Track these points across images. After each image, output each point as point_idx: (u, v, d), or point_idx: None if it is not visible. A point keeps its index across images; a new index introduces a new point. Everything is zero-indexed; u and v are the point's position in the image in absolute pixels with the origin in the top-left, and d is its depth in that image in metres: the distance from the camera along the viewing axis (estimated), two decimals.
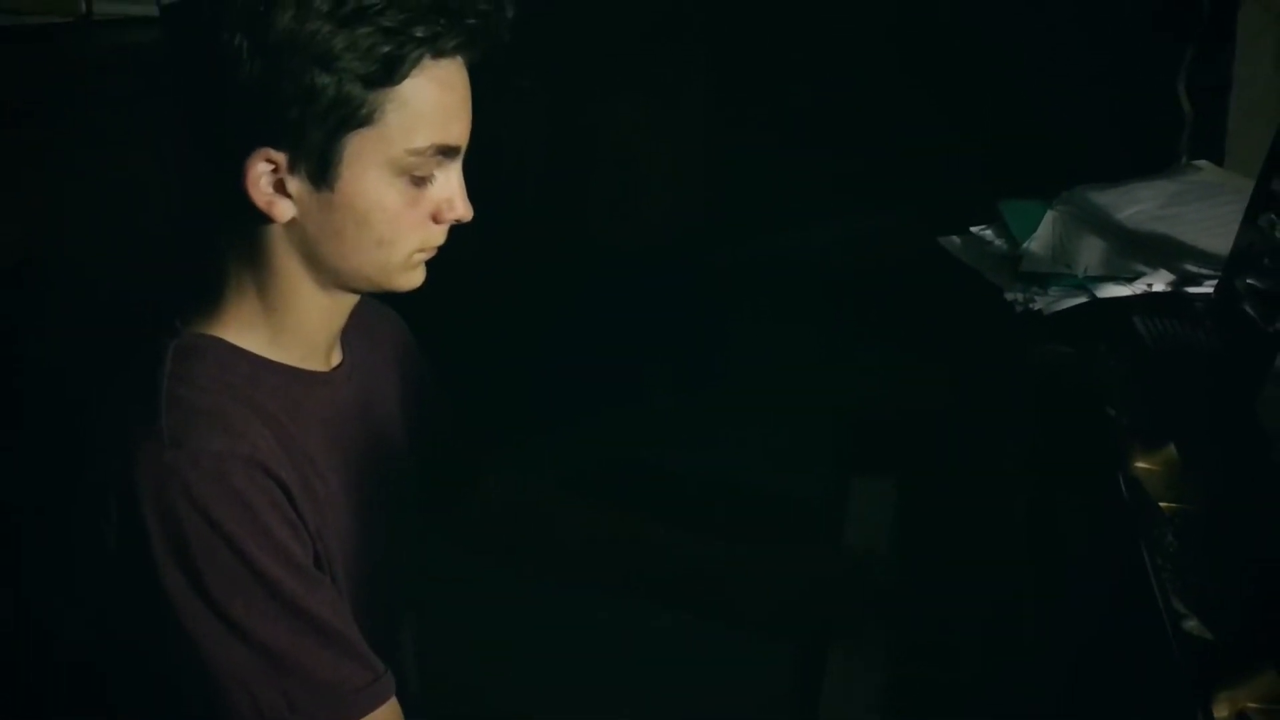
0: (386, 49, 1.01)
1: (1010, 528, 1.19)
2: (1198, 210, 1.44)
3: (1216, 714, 0.81)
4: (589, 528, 1.41)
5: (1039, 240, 1.45)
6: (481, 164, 1.13)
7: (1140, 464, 1.08)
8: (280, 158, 1.03)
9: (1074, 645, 1.01)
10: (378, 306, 1.28)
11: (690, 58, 2.73)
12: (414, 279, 1.12)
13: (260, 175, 1.03)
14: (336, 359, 1.19)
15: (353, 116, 1.02)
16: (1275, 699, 0.82)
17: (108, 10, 2.27)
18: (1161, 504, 1.02)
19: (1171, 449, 1.09)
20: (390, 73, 1.01)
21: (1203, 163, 1.65)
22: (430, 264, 1.14)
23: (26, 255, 1.96)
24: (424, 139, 1.05)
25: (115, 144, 1.94)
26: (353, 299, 1.15)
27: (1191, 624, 0.89)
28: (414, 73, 1.03)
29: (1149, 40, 2.26)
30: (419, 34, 1.01)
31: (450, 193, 1.09)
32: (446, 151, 1.07)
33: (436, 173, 1.08)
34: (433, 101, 1.05)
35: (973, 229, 1.53)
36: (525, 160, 2.43)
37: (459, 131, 1.08)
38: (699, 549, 1.38)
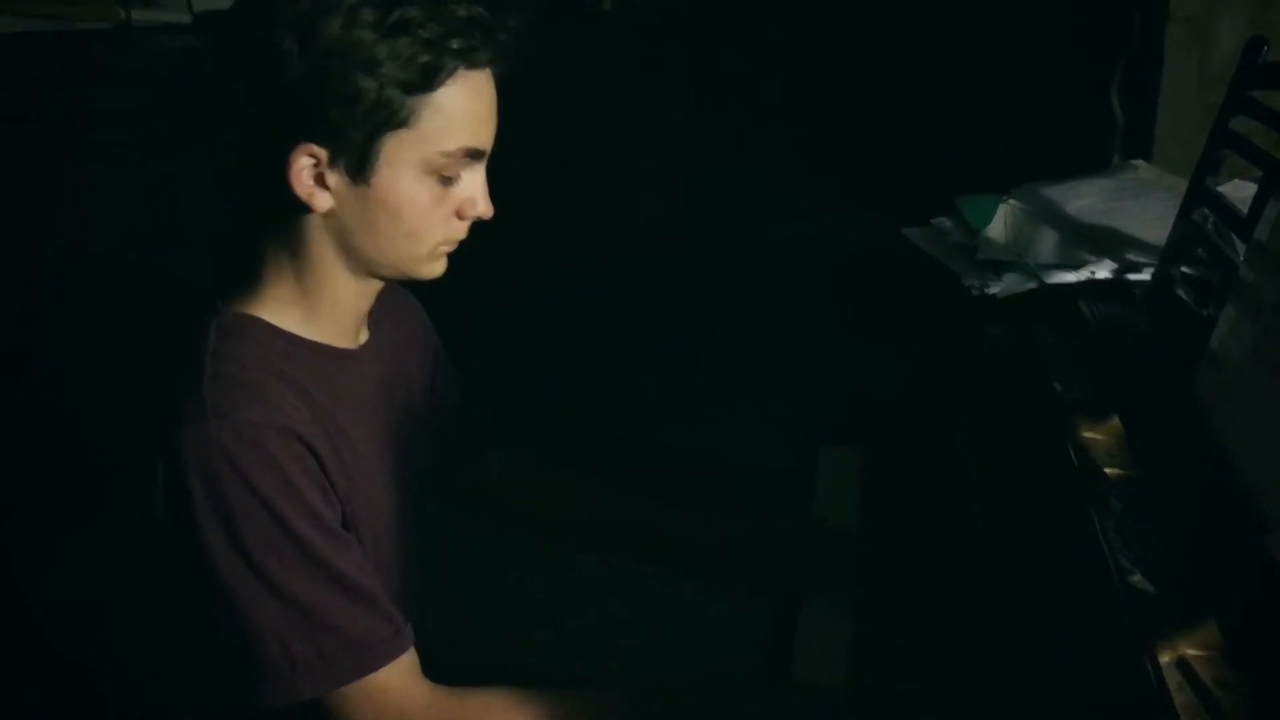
0: (425, 59, 1.00)
1: (966, 492, 1.18)
2: (1137, 205, 1.43)
3: (1160, 661, 0.80)
4: (581, 499, 1.40)
5: (994, 231, 1.44)
6: (491, 164, 1.11)
7: (1086, 434, 1.07)
8: (322, 153, 1.02)
9: (1027, 600, 1.00)
10: (400, 292, 1.27)
11: (674, 65, 2.71)
12: (437, 269, 1.12)
13: (303, 168, 1.02)
14: (364, 338, 1.18)
15: (391, 118, 1.01)
16: (1213, 646, 0.81)
17: (145, 17, 2.24)
18: (1107, 470, 1.02)
19: (1115, 420, 1.08)
20: (428, 80, 1.01)
21: (1139, 162, 1.64)
22: (450, 257, 1.13)
23: (71, 250, 1.93)
24: (455, 142, 1.04)
25: (152, 141, 1.92)
26: (379, 284, 1.14)
27: (1136, 579, 0.88)
28: (449, 81, 1.02)
29: (1086, 54, 2.25)
30: (455, 46, 1.01)
31: (474, 192, 1.08)
32: (474, 154, 1.07)
33: (463, 173, 1.07)
34: (465, 108, 1.04)
35: (933, 221, 1.52)
36: (524, 163, 2.41)
37: (486, 136, 1.07)
38: (682, 518, 1.37)
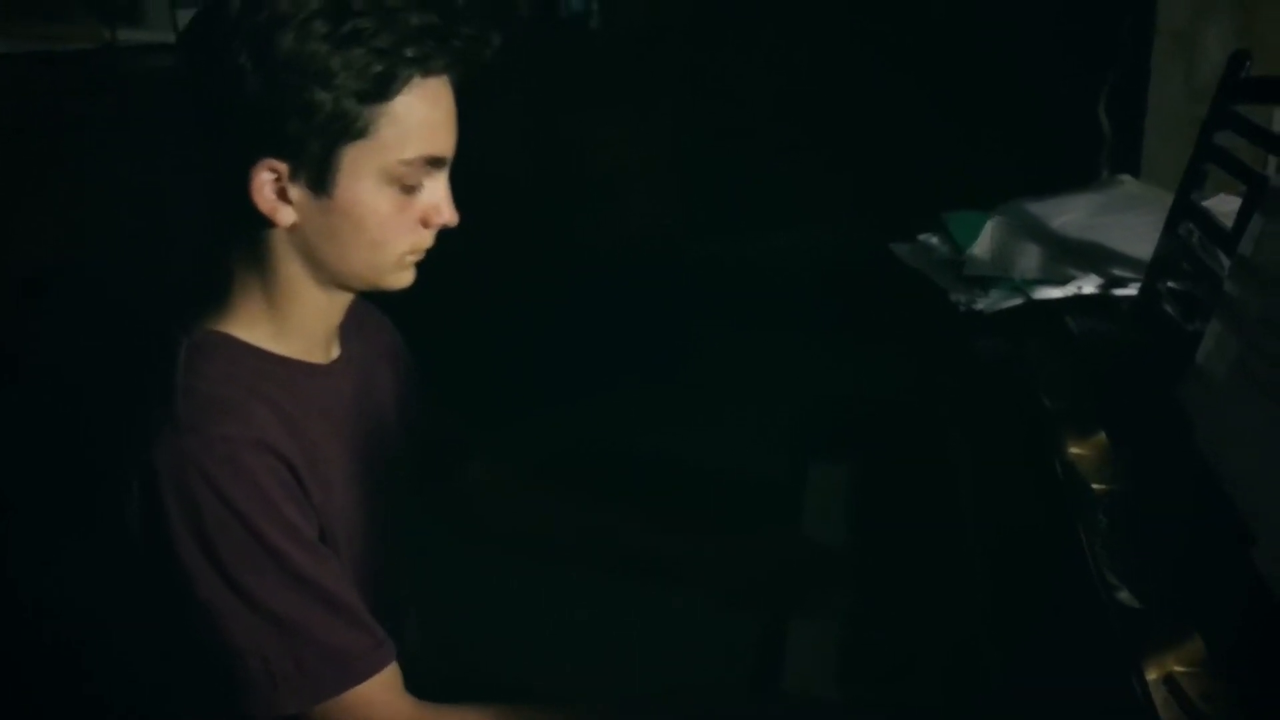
0: (379, 68, 1.00)
1: (955, 508, 1.19)
2: (1122, 220, 1.43)
3: (1146, 676, 0.81)
4: (563, 516, 1.39)
5: (980, 247, 1.44)
6: (466, 172, 1.11)
7: (1073, 449, 1.07)
8: (282, 167, 1.02)
9: (1016, 615, 1.01)
10: (370, 307, 1.27)
11: (663, 74, 2.73)
12: (404, 279, 1.11)
13: (264, 183, 1.02)
14: (335, 352, 1.18)
15: (349, 129, 1.01)
16: (1198, 662, 0.81)
17: (130, 38, 2.25)
18: (1094, 485, 1.02)
19: (1102, 436, 1.08)
20: (383, 90, 1.01)
21: (1125, 177, 1.64)
22: (429, 267, 1.12)
23: (56, 261, 1.94)
24: (414, 150, 1.04)
25: (136, 158, 1.92)
26: (349, 297, 1.14)
27: (1123, 595, 0.88)
28: (405, 90, 1.02)
29: (1073, 69, 2.27)
30: (409, 54, 1.01)
31: (438, 199, 1.08)
32: (435, 162, 1.06)
33: (425, 181, 1.07)
34: (422, 116, 1.03)
35: (920, 237, 1.52)
36: (508, 169, 2.42)
37: (446, 143, 1.07)
38: (667, 538, 1.36)
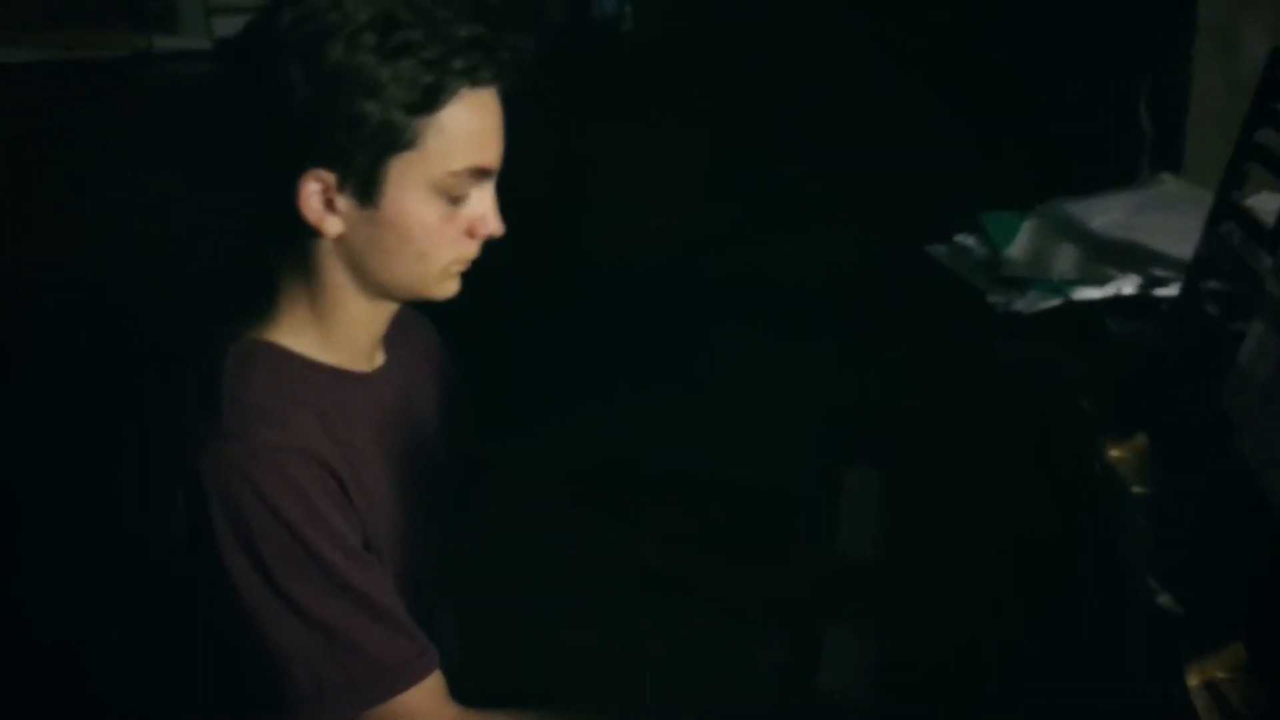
0: (428, 79, 1.00)
1: (992, 512, 1.18)
2: (1162, 219, 1.42)
3: (1188, 683, 0.80)
4: (590, 537, 1.39)
5: (1018, 248, 1.44)
6: (501, 184, 1.12)
7: (1113, 452, 1.07)
8: (330, 177, 1.02)
9: (1054, 621, 1.00)
10: (413, 314, 1.28)
11: (685, 81, 2.73)
12: (450, 289, 1.12)
13: (311, 194, 1.03)
14: (379, 361, 1.18)
15: (396, 141, 1.02)
16: (1241, 669, 0.81)
17: (166, 45, 2.27)
18: (1134, 489, 1.01)
19: (1142, 438, 1.07)
20: (431, 101, 1.01)
21: (1166, 175, 1.63)
22: (463, 274, 1.13)
23: (97, 268, 1.96)
24: (461, 162, 1.04)
25: (174, 166, 1.94)
26: (393, 306, 1.15)
27: (1164, 599, 0.88)
28: (452, 101, 1.02)
29: (1114, 68, 2.24)
30: (457, 66, 1.01)
31: (484, 210, 1.09)
32: (481, 173, 1.07)
33: (472, 192, 1.07)
34: (469, 127, 1.04)
35: (957, 238, 1.52)
36: (537, 174, 2.43)
37: (493, 155, 1.08)
38: (697, 561, 1.36)
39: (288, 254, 1.08)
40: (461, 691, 1.10)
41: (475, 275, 1.14)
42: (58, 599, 1.69)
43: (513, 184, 1.14)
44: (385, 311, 1.14)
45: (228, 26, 2.27)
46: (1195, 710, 0.78)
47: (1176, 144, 2.14)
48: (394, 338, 1.20)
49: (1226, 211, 1.21)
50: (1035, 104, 2.35)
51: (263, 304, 1.10)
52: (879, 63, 2.55)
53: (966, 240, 1.50)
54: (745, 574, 1.34)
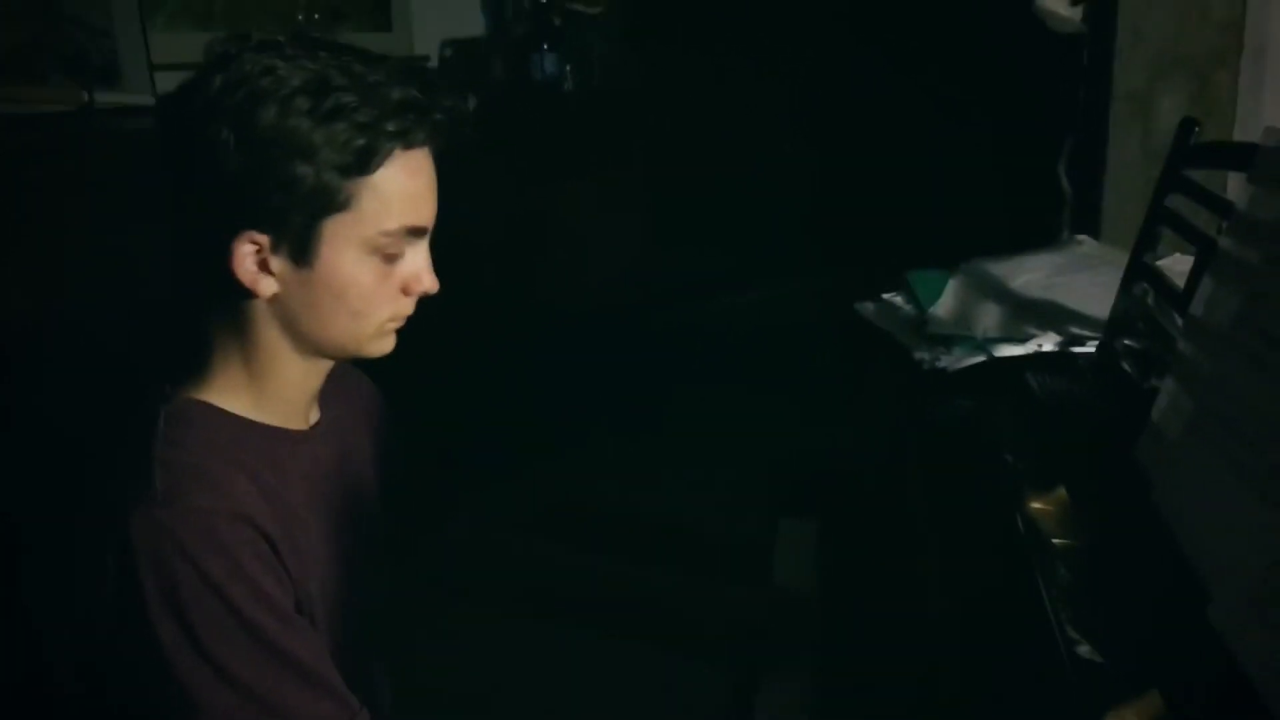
0: (361, 142, 1.01)
1: (920, 563, 1.19)
2: (1080, 279, 1.46)
3: None
4: (539, 568, 1.40)
5: (942, 306, 1.47)
6: (441, 234, 1.13)
7: (1035, 504, 1.08)
8: (263, 239, 1.02)
9: (981, 670, 1.01)
10: (349, 369, 1.28)
11: (629, 137, 2.76)
12: (385, 346, 1.12)
13: (245, 255, 1.03)
14: (314, 418, 1.18)
15: (331, 202, 1.02)
16: (1158, 715, 0.82)
17: (108, 100, 2.26)
18: (1055, 540, 1.03)
19: (1062, 491, 1.10)
20: (365, 163, 1.02)
21: (1083, 237, 1.68)
22: (406, 323, 1.13)
23: (32, 327, 1.93)
24: (395, 221, 1.05)
25: (114, 222, 1.93)
26: (328, 364, 1.14)
27: (1084, 649, 0.89)
28: (386, 163, 1.03)
29: (1034, 131, 2.31)
30: (390, 128, 1.02)
31: (418, 268, 1.09)
32: (415, 232, 1.07)
33: (406, 250, 1.08)
34: (403, 188, 1.04)
35: (884, 296, 1.55)
36: (481, 230, 2.44)
37: (427, 213, 1.08)
38: (644, 586, 1.38)
39: (222, 313, 1.08)
40: None
41: (426, 327, 1.15)
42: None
43: (462, 238, 1.14)
44: (320, 370, 1.14)
45: (171, 81, 2.26)
46: None
47: (1094, 205, 2.20)
48: (330, 394, 1.19)
49: (1140, 273, 1.24)
50: (960, 167, 2.41)
51: (197, 363, 1.09)
52: (811, 128, 2.61)
53: (895, 298, 1.53)
54: (689, 594, 1.35)
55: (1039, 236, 1.80)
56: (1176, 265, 1.28)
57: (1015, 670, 0.97)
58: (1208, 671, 0.83)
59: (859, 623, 1.32)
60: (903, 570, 1.27)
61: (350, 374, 1.29)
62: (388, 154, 1.02)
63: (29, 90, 2.20)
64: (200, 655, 0.97)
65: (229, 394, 1.09)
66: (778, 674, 1.28)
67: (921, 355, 1.40)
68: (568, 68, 3.05)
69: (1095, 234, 1.94)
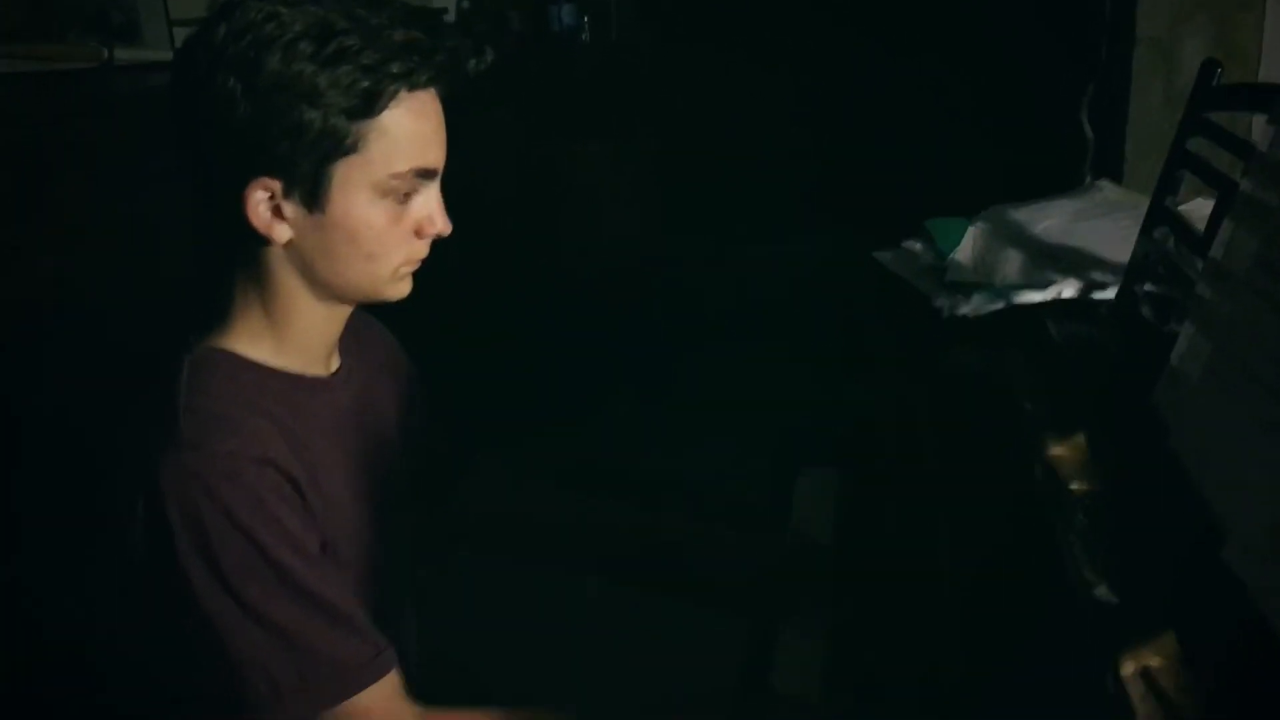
0: (366, 84, 1.01)
1: (938, 510, 1.20)
2: (1101, 224, 1.45)
3: (1123, 671, 0.82)
4: (559, 515, 1.41)
5: (962, 253, 1.46)
6: (458, 184, 1.13)
7: (1054, 451, 1.08)
8: (275, 185, 1.03)
9: (997, 616, 1.02)
10: (368, 319, 1.29)
11: (643, 93, 2.75)
12: (401, 289, 1.12)
13: (258, 202, 1.04)
14: (335, 365, 1.19)
15: (339, 146, 1.03)
16: (1173, 657, 0.83)
17: (127, 56, 2.26)
18: (1072, 486, 1.03)
19: (1081, 437, 1.09)
20: (370, 106, 1.02)
21: (1104, 182, 1.66)
22: (419, 282, 1.14)
23: (59, 284, 1.95)
24: (404, 163, 1.05)
25: (135, 178, 1.93)
26: (347, 310, 1.15)
27: (1100, 591, 0.89)
28: (392, 105, 1.03)
29: (1057, 77, 2.28)
30: (395, 70, 1.02)
31: (430, 210, 1.09)
32: (425, 174, 1.08)
33: (417, 193, 1.08)
34: (410, 129, 1.05)
35: (903, 244, 1.54)
36: (498, 181, 2.44)
37: (435, 155, 1.08)
38: (664, 532, 1.39)
39: (240, 262, 1.09)
40: (424, 689, 1.11)
41: (438, 283, 1.15)
42: (48, 604, 1.68)
43: (478, 191, 1.15)
44: (339, 316, 1.15)
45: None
46: (1128, 696, 0.79)
47: (1117, 151, 2.17)
48: (350, 344, 1.20)
49: (1160, 217, 1.23)
50: (982, 114, 2.38)
51: (218, 313, 1.11)
52: (826, 77, 2.58)
53: (913, 246, 1.52)
54: (710, 540, 1.36)
55: (1062, 182, 1.78)
56: (1198, 210, 1.26)
57: (1032, 614, 0.97)
58: (1224, 613, 0.83)
59: (877, 570, 1.33)
60: (920, 517, 1.27)
61: (371, 326, 1.30)
62: (393, 95, 1.03)
63: (49, 48, 2.21)
64: (229, 595, 1.00)
65: (250, 342, 1.10)
66: (795, 622, 1.29)
67: (940, 303, 1.39)
68: (585, 19, 3.03)
69: (1117, 179, 1.92)
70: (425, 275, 1.13)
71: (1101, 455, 1.06)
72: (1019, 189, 1.61)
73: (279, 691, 1.01)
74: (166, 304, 1.30)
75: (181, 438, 1.00)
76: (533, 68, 2.63)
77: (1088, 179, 2.05)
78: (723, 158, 2.68)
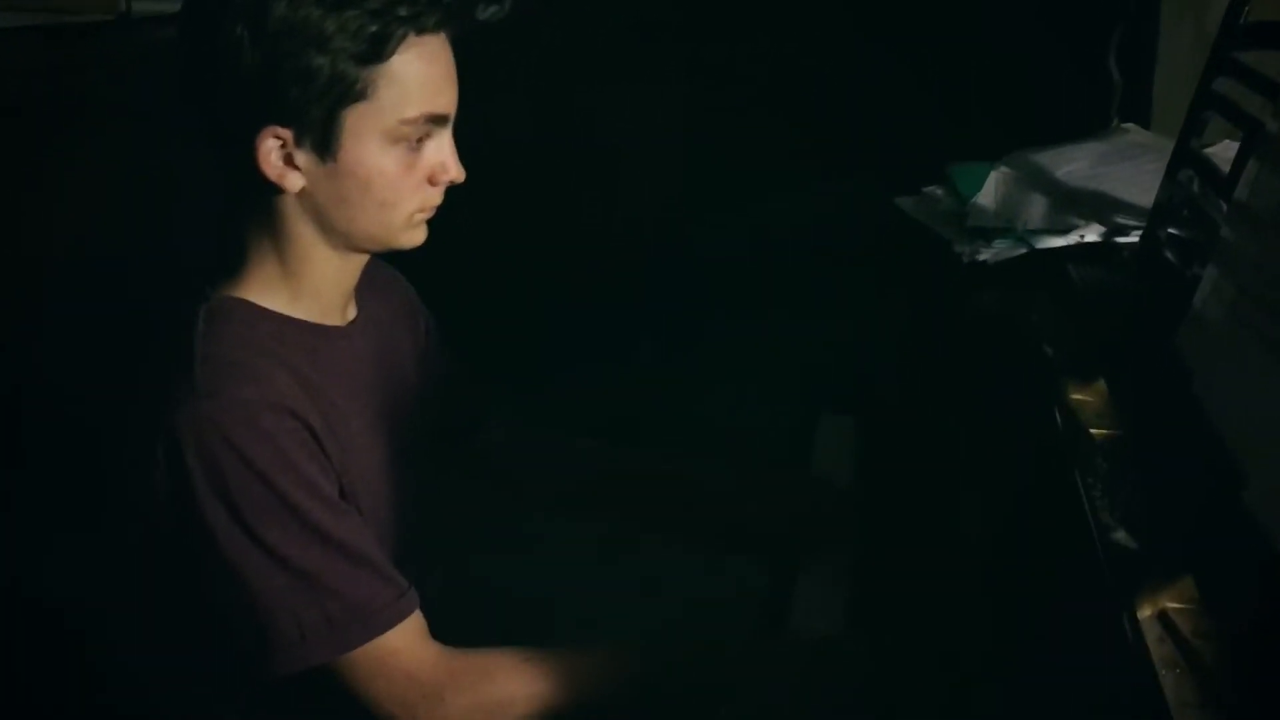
0: (374, 28, 1.01)
1: (958, 455, 1.20)
2: (1126, 168, 1.43)
3: (1140, 614, 0.82)
4: (581, 461, 1.42)
5: (984, 198, 1.44)
6: (477, 139, 1.12)
7: (1075, 396, 1.08)
8: (286, 134, 1.03)
9: (1014, 558, 1.02)
10: (385, 268, 1.29)
11: (666, 40, 2.71)
12: (416, 237, 1.12)
13: (270, 151, 1.04)
14: (352, 314, 1.19)
15: (348, 92, 1.02)
16: (1191, 600, 0.82)
17: (145, 8, 2.25)
18: (1093, 431, 1.03)
19: (1102, 382, 1.09)
20: (379, 50, 1.01)
21: (1130, 125, 1.64)
22: (435, 233, 1.13)
23: (74, 240, 1.95)
24: (415, 109, 1.05)
25: (152, 132, 1.93)
26: (363, 259, 1.15)
27: (1119, 535, 0.89)
28: (400, 49, 1.03)
29: (1083, 19, 2.24)
30: (402, 13, 1.01)
31: (443, 156, 1.09)
32: (436, 119, 1.07)
33: (429, 139, 1.08)
34: (420, 74, 1.04)
35: (925, 189, 1.52)
36: (519, 137, 2.42)
37: (446, 101, 1.08)
38: (687, 475, 1.39)
39: (254, 212, 1.09)
40: (445, 634, 1.12)
41: (465, 237, 1.15)
42: (49, 566, 1.70)
43: (496, 140, 1.14)
44: (354, 264, 1.15)
45: None
46: (1144, 639, 0.79)
47: (1145, 94, 2.14)
48: (367, 293, 1.21)
49: (1185, 159, 1.21)
50: (1006, 57, 2.35)
51: (233, 263, 1.11)
52: (852, 18, 2.54)
53: (935, 191, 1.51)
54: (731, 481, 1.37)
55: (1088, 127, 1.75)
56: (1226, 152, 1.24)
57: (1051, 558, 0.97)
58: (1243, 557, 0.83)
59: (896, 515, 1.33)
60: (941, 463, 1.27)
61: (388, 275, 1.30)
62: (401, 39, 1.02)
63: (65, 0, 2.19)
64: (250, 539, 1.01)
65: (266, 291, 1.11)
66: (815, 566, 1.30)
67: (962, 249, 1.38)
68: None
69: (1146, 122, 1.89)
70: (440, 223, 1.13)
71: (1122, 400, 1.06)
72: (1046, 134, 1.59)
73: (304, 634, 1.02)
74: (184, 257, 1.30)
75: (198, 386, 1.01)
76: (549, 8, 2.60)
77: (1115, 122, 2.02)
78: (745, 106, 2.66)
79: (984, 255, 1.36)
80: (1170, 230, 1.22)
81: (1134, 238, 1.31)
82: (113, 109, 1.96)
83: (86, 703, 1.48)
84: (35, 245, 1.94)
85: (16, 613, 1.64)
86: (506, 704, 1.09)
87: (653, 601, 1.79)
